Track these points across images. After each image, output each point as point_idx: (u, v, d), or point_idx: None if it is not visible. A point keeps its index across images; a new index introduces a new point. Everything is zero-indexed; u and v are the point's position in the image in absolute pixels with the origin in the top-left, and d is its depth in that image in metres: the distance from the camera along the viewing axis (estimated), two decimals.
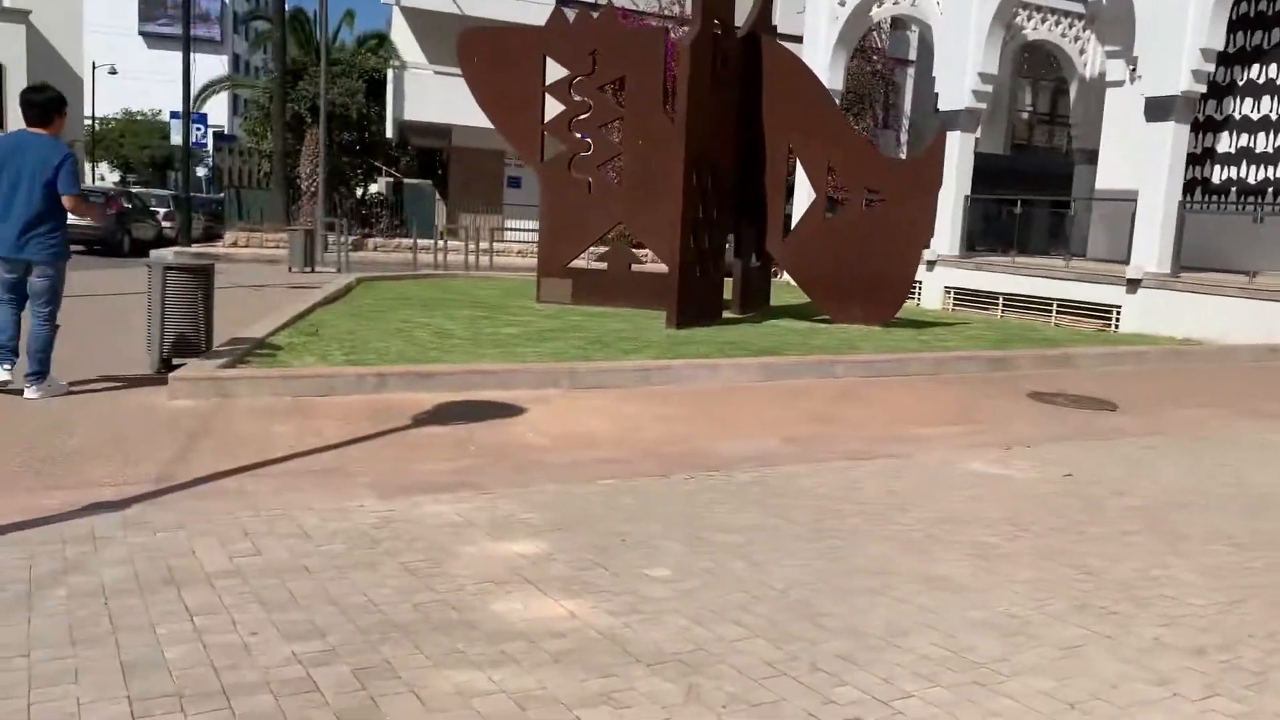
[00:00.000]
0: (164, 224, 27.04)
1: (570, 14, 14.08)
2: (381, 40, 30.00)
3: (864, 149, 12.91)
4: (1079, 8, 23.46)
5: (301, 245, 18.23)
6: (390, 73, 27.28)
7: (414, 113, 27.55)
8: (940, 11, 17.67)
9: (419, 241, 27.58)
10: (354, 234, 20.17)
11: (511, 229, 27.66)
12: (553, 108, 13.70)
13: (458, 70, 28.64)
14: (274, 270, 18.93)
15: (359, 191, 30.11)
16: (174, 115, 29.18)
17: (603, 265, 14.10)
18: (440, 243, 22.54)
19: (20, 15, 40.09)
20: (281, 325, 9.39)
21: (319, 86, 25.66)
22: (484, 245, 21.69)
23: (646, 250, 15.22)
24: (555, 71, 13.71)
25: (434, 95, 27.79)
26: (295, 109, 27.12)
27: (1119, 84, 19.40)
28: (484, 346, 9.10)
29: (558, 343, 9.58)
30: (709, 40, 11.50)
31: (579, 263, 14.10)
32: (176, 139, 27.46)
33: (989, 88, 17.36)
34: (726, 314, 13.27)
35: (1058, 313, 15.86)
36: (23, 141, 6.45)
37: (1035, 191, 25.64)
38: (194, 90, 28.93)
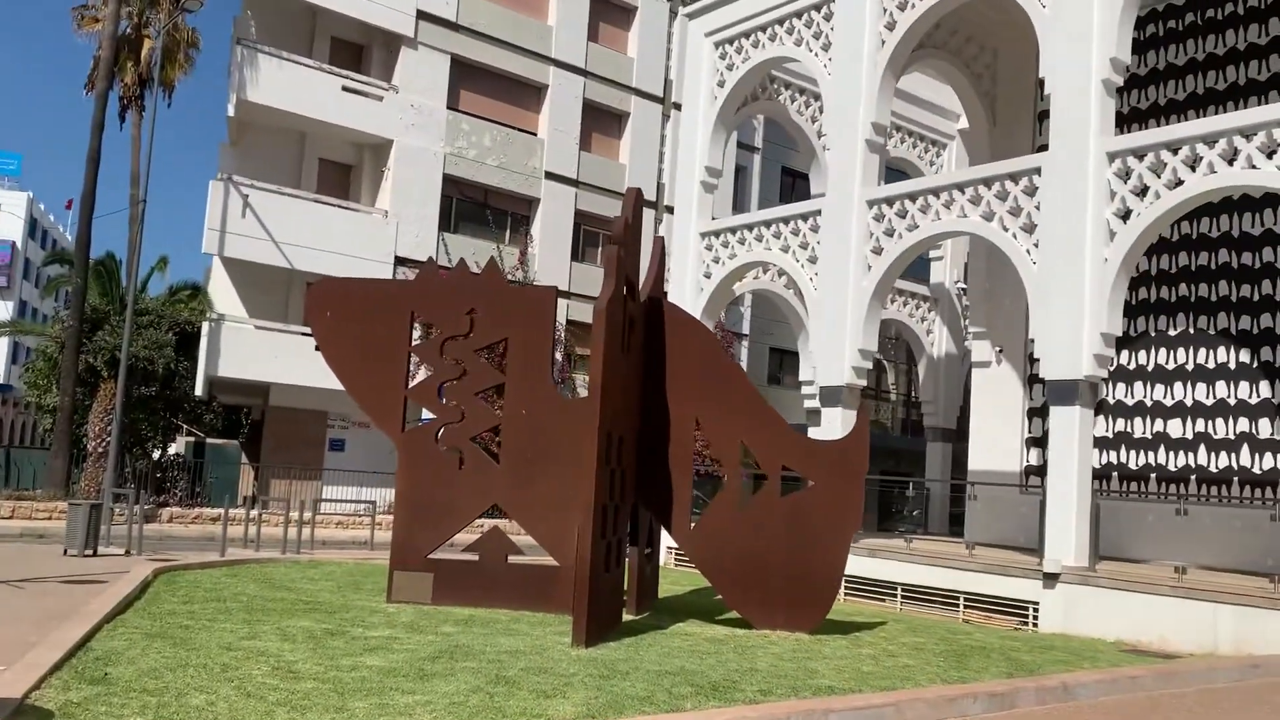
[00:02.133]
0: None
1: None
2: (196, 291, 27.57)
3: (780, 427, 11.48)
4: (925, 289, 23.96)
5: (84, 523, 14.94)
6: (206, 326, 24.73)
7: (230, 369, 24.90)
8: (815, 289, 17.16)
9: (222, 512, 24.21)
10: (147, 502, 17.03)
11: (331, 499, 24.73)
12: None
13: (281, 325, 26.69)
14: (47, 552, 15.43)
15: (155, 453, 26.56)
16: None
17: (472, 556, 11.76)
18: (251, 512, 19.44)
19: None
20: (54, 665, 6.58)
21: (120, 338, 22.82)
22: (304, 515, 18.72)
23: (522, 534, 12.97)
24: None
25: (253, 351, 25.35)
26: (90, 361, 23.98)
27: (985, 364, 19.26)
28: (349, 695, 6.57)
29: (448, 681, 7.14)
30: (621, 301, 10.02)
31: (441, 552, 11.76)
32: None
33: (869, 364, 16.67)
34: (625, 614, 11.12)
35: (966, 607, 14.48)
36: None
37: (876, 469, 25.27)
38: None
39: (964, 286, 24.42)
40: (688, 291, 19.46)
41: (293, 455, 26.87)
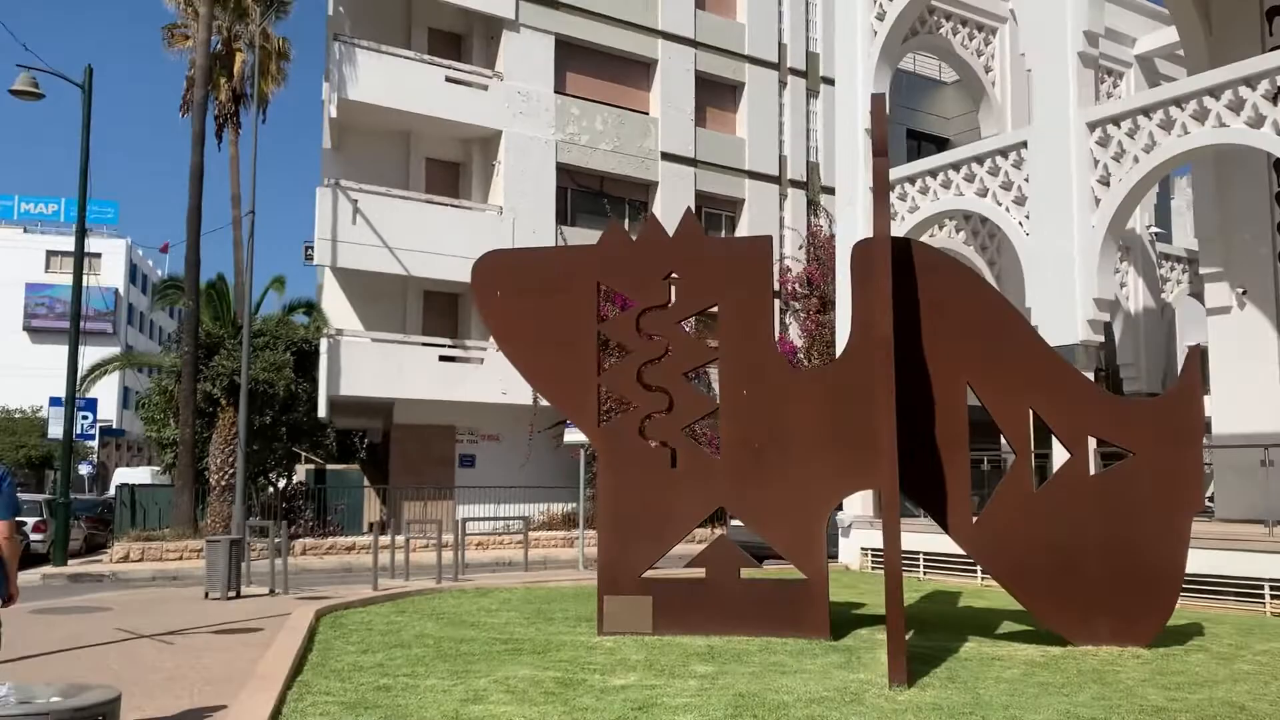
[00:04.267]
0: (32, 536, 21.56)
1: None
2: (310, 307, 26.09)
3: (1081, 386, 9.10)
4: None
5: (225, 562, 13.22)
6: (324, 342, 23.15)
7: (352, 387, 23.29)
8: (1027, 234, 14.65)
9: (356, 540, 22.61)
10: (279, 535, 15.27)
11: (469, 518, 22.88)
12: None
13: (400, 337, 24.99)
14: (185, 596, 13.80)
15: (281, 482, 25.10)
16: (55, 402, 24.33)
17: (697, 571, 9.60)
18: (397, 539, 17.61)
19: None
20: None
21: (237, 362, 21.34)
22: (458, 538, 16.80)
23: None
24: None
25: (374, 366, 23.72)
26: (207, 389, 22.58)
27: (1223, 310, 16.46)
28: None
29: None
30: (889, 230, 7.76)
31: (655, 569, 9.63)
32: (56, 430, 22.55)
33: (1106, 315, 14.12)
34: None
35: (1273, 598, 11.81)
36: None
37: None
38: (81, 372, 24.31)
39: (1158, 230, 21.58)
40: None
41: (423, 475, 25.17)
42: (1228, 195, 16.29)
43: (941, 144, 31.84)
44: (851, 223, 17.19)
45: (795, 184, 30.44)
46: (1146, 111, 13.40)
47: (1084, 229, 13.90)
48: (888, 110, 16.72)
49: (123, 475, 34.37)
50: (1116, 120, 13.73)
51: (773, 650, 8.44)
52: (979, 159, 15.51)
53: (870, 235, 9.65)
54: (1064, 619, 8.72)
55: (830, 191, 29.39)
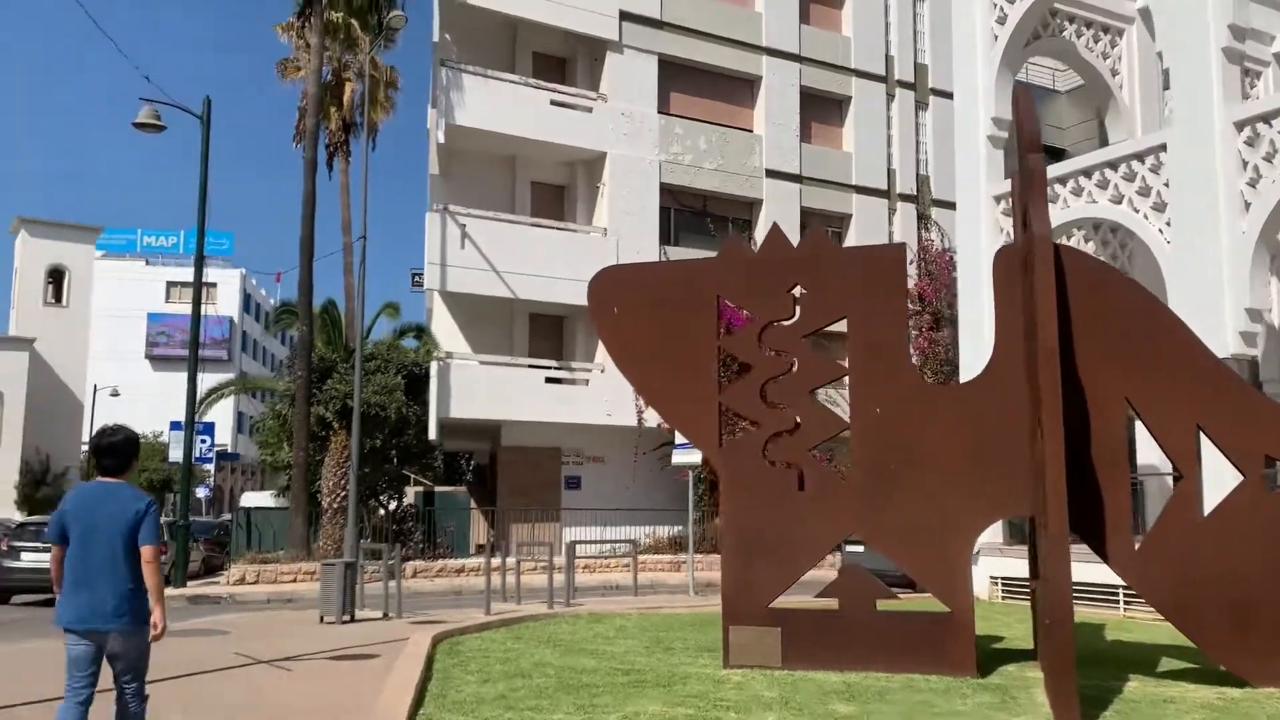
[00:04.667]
0: None
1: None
2: (420, 331, 26.34)
3: (1254, 400, 8.34)
4: None
5: (339, 586, 13.16)
6: (434, 365, 23.27)
7: (461, 409, 23.33)
8: (1168, 242, 13.74)
9: (465, 563, 22.54)
10: (391, 557, 15.22)
11: (577, 540, 22.62)
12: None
13: (507, 359, 25.02)
14: (300, 619, 13.79)
15: (392, 504, 25.29)
16: (175, 426, 24.97)
17: (828, 602, 9.06)
18: (504, 560, 17.41)
19: (24, 343, 38.06)
20: None
21: (349, 385, 21.56)
22: (570, 561, 16.51)
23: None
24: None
25: (482, 389, 23.75)
26: (320, 412, 22.88)
27: None
28: None
29: None
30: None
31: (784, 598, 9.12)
32: (176, 454, 23.08)
33: (1259, 327, 13.13)
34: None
35: None
36: (100, 493, 5.26)
37: None
38: (198, 396, 24.89)
39: None
40: (983, 268, 16.33)
41: (529, 497, 25.05)
42: None
43: (1057, 154, 30.65)
44: (973, 232, 16.46)
45: (905, 198, 29.65)
46: None
47: (1233, 235, 12.97)
48: (1007, 118, 15.95)
49: (249, 499, 35.76)
50: (1267, 118, 12.81)
51: (916, 688, 7.86)
52: (1112, 164, 14.66)
53: (1007, 244, 9.06)
54: (1240, 657, 7.92)
55: (942, 205, 28.58)
